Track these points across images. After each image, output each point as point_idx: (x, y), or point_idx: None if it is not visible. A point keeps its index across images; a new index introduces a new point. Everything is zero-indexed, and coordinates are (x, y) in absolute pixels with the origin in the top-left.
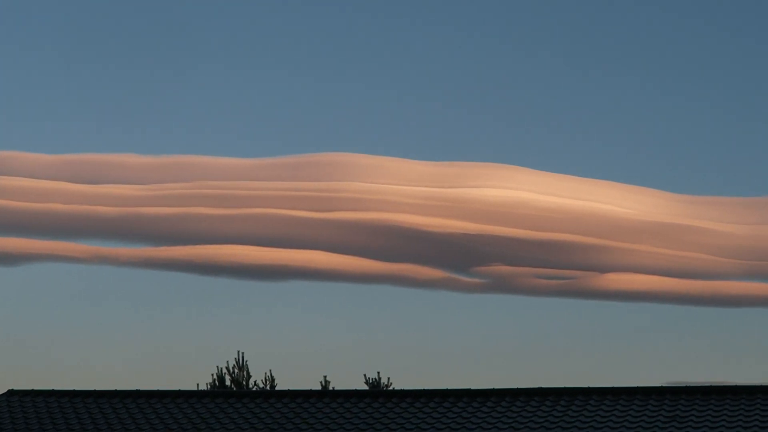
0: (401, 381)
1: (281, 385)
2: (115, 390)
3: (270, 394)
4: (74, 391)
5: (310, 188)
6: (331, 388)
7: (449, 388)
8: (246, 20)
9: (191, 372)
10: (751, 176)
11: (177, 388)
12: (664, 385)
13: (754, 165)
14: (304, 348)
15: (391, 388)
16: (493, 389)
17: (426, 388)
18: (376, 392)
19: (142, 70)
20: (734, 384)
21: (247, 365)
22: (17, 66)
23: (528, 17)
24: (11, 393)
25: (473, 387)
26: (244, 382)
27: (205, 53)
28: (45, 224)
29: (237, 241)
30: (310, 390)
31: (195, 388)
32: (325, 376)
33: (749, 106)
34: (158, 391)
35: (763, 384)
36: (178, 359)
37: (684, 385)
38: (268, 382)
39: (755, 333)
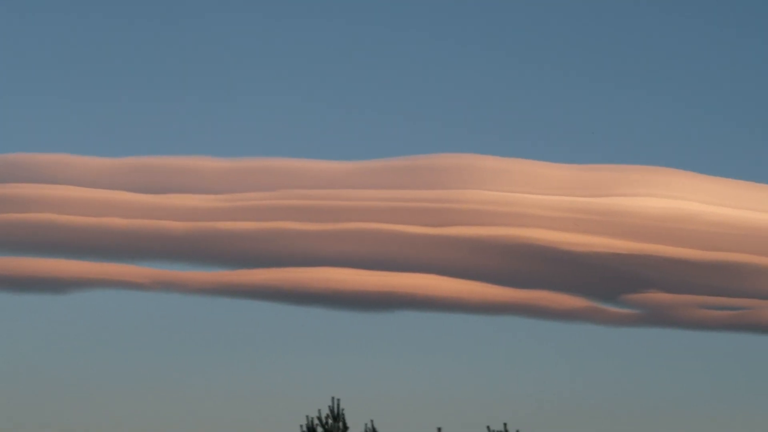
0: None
1: None
2: None
3: None
4: None
5: (422, 198)
6: None
7: None
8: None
9: (276, 423)
10: None
11: None
12: None
13: None
14: (414, 393)
15: None
16: None
17: None
18: None
19: (214, 58)
20: None
21: (343, 414)
22: (69, 55)
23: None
24: None
25: None
26: None
27: (291, 38)
28: (100, 243)
29: (332, 262)
30: None
31: None
32: (439, 429)
33: None
34: None
35: None
36: (260, 407)
37: None
38: None
39: None
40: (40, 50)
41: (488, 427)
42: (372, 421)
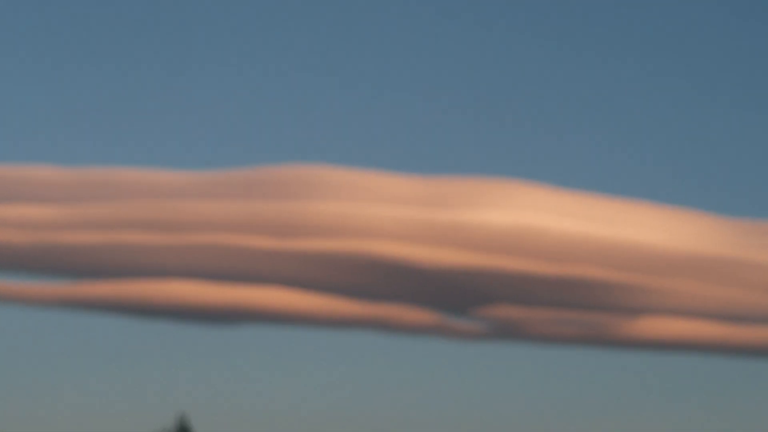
0: None
1: None
2: None
3: None
4: None
5: (268, 210)
6: None
7: None
8: (193, 15)
9: None
10: None
11: None
12: None
13: None
14: (265, 411)
15: None
16: None
17: None
18: None
19: (63, 65)
20: None
21: (191, 431)
22: None
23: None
24: None
25: None
26: None
27: (140, 47)
28: None
29: (177, 275)
30: None
31: None
32: None
33: None
34: None
35: None
36: (104, 423)
37: None
38: None
39: None
40: None
41: None
42: None
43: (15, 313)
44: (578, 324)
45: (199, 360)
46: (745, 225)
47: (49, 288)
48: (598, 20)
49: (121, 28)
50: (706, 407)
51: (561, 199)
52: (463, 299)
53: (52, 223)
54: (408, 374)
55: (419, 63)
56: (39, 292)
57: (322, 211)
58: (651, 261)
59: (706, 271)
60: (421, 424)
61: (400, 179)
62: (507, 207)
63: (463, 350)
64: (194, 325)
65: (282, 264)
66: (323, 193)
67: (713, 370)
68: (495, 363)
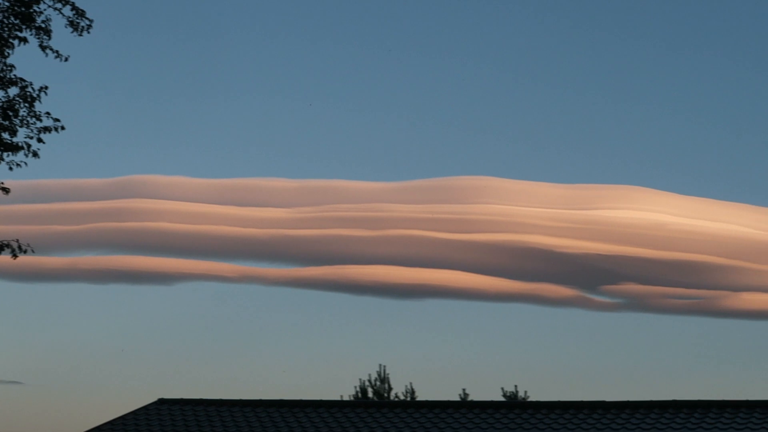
0: (537, 394)
1: (421, 398)
2: (260, 400)
3: (409, 405)
4: (221, 400)
5: (448, 211)
6: (469, 400)
7: (583, 400)
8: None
9: (335, 385)
10: None
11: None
12: None
13: None
14: (444, 362)
15: (528, 399)
16: (627, 401)
17: (560, 400)
18: (512, 403)
19: (286, 101)
20: None
21: (388, 378)
22: (173, 93)
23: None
24: (161, 401)
25: (607, 399)
26: (385, 394)
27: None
28: (199, 245)
29: (378, 261)
30: (449, 401)
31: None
32: (464, 389)
33: None
34: (301, 401)
35: None
36: (323, 373)
37: None
38: (408, 394)
39: None
40: None
41: (502, 388)
42: (411, 383)
43: (257, 291)
44: (690, 298)
45: (395, 325)
46: None
47: (282, 271)
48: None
49: None
50: None
51: (676, 201)
52: (598, 279)
53: (285, 221)
54: (553, 337)
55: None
56: (275, 274)
57: (489, 211)
58: (748, 248)
59: None
60: (566, 376)
61: (548, 186)
62: (632, 207)
63: (597, 319)
64: (391, 299)
65: (457, 252)
66: (489, 198)
67: None
68: (623, 329)
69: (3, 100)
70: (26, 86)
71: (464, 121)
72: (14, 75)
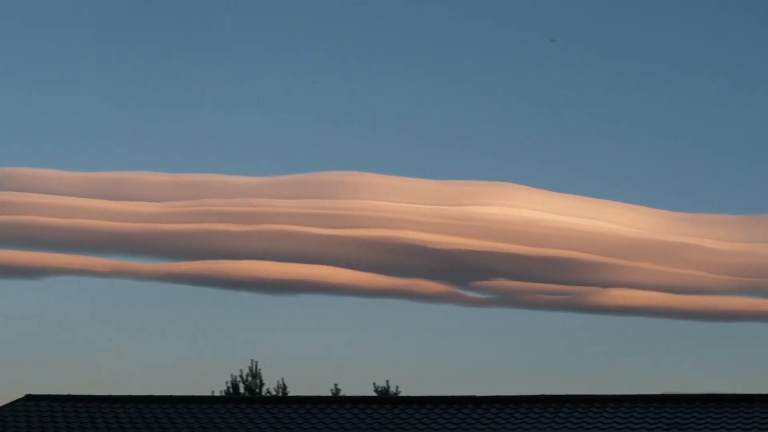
0: (408, 389)
1: (293, 393)
2: (130, 395)
3: (281, 400)
4: (90, 396)
5: (321, 206)
6: (341, 395)
7: (454, 395)
8: (257, 38)
9: (207, 380)
10: (747, 195)
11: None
12: (659, 393)
13: (751, 184)
14: (316, 358)
15: (399, 395)
16: (497, 396)
17: (432, 395)
18: (384, 398)
19: (158, 91)
20: (733, 393)
21: (260, 373)
22: (48, 88)
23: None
24: (29, 398)
25: (477, 394)
26: (257, 390)
27: (215, 78)
28: (69, 239)
29: (252, 256)
30: (320, 396)
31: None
32: (335, 384)
33: (747, 126)
34: (172, 396)
35: (761, 393)
36: (194, 368)
37: (682, 393)
38: (280, 390)
39: (749, 346)
40: None
41: (374, 383)
42: (282, 378)
43: (129, 285)
44: (561, 294)
45: (267, 321)
46: (690, 217)
47: (154, 266)
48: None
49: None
50: (659, 360)
51: (548, 198)
52: (469, 275)
53: (158, 215)
54: (425, 333)
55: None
56: (147, 269)
57: (362, 207)
58: (618, 245)
59: (661, 253)
60: (433, 374)
61: (422, 182)
62: (505, 204)
63: (469, 314)
64: (264, 294)
65: (331, 247)
66: (363, 193)
67: (665, 329)
68: (494, 325)
69: None
70: None
71: (337, 116)
72: None
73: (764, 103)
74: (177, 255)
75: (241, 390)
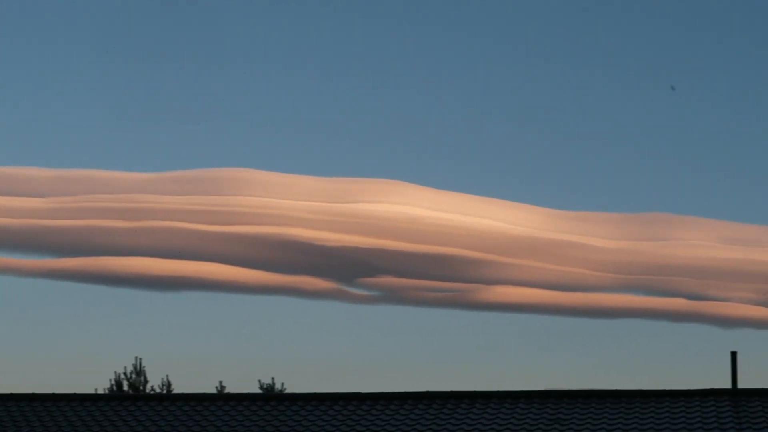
0: (294, 386)
1: (178, 390)
2: (11, 393)
3: (165, 398)
4: None
5: (208, 202)
6: (226, 392)
7: (339, 392)
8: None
9: (90, 378)
10: (629, 194)
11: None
12: (543, 389)
13: (631, 183)
14: (201, 355)
15: (285, 392)
16: (382, 393)
17: (317, 392)
18: (269, 395)
19: (42, 86)
20: (615, 389)
21: (144, 371)
22: None
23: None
24: None
25: (362, 391)
26: (141, 387)
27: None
28: None
29: (137, 253)
30: (205, 393)
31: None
32: (220, 381)
33: (627, 128)
34: (54, 394)
35: (641, 389)
36: (76, 366)
37: (565, 390)
38: (164, 387)
39: (630, 342)
40: None
41: (259, 380)
42: (167, 375)
43: (11, 282)
44: (446, 291)
45: (152, 318)
46: (574, 215)
47: (37, 263)
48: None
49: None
50: (543, 356)
51: (433, 196)
52: (356, 272)
53: (40, 211)
54: (311, 330)
55: (321, 93)
56: (29, 265)
57: (249, 203)
58: (502, 243)
59: (544, 251)
60: (318, 371)
61: (308, 179)
62: (390, 201)
63: (355, 311)
64: (149, 291)
65: (218, 244)
66: (248, 190)
67: (548, 326)
68: (380, 321)
69: None
70: None
71: (224, 111)
72: None
73: (646, 101)
74: (60, 251)
75: (125, 388)
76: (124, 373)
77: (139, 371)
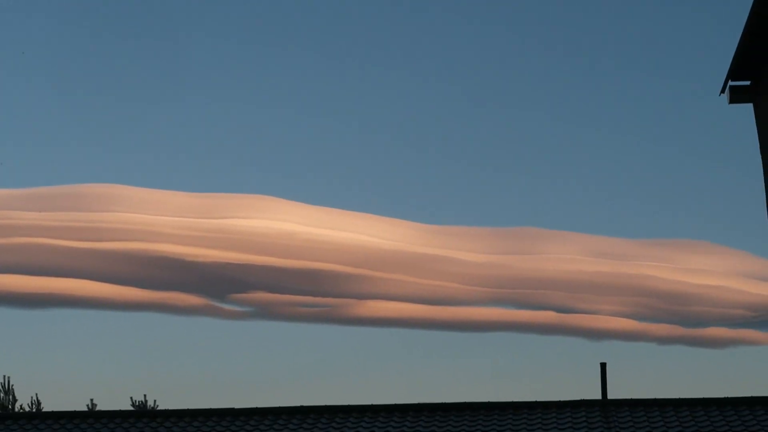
0: (167, 402)
1: (47, 409)
2: None
3: (34, 416)
4: None
5: (75, 219)
6: (97, 410)
7: (213, 407)
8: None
9: None
10: (498, 208)
11: None
12: (416, 402)
13: (501, 197)
14: (71, 373)
15: (157, 408)
16: (255, 408)
17: (190, 408)
18: (141, 412)
19: None
20: (487, 401)
21: (13, 389)
22: None
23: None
24: None
25: (236, 407)
26: (9, 406)
27: None
28: None
29: (3, 270)
30: (76, 411)
31: None
32: (91, 399)
33: (494, 145)
34: None
35: (513, 401)
36: None
37: (438, 402)
38: (34, 406)
39: (501, 354)
40: None
41: (131, 397)
42: (36, 394)
43: None
44: (318, 306)
45: (20, 336)
46: (443, 230)
47: None
48: None
49: None
50: (415, 370)
51: (305, 211)
52: (227, 287)
53: None
54: (182, 346)
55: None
56: None
57: (117, 219)
58: (373, 257)
59: (414, 265)
60: (191, 387)
61: (177, 195)
62: (262, 217)
63: (226, 327)
64: (16, 308)
65: (85, 261)
66: (116, 206)
67: (420, 340)
68: (252, 337)
69: None
70: None
71: (90, 127)
72: None
73: (514, 117)
74: None
75: None
76: None
77: (7, 390)
